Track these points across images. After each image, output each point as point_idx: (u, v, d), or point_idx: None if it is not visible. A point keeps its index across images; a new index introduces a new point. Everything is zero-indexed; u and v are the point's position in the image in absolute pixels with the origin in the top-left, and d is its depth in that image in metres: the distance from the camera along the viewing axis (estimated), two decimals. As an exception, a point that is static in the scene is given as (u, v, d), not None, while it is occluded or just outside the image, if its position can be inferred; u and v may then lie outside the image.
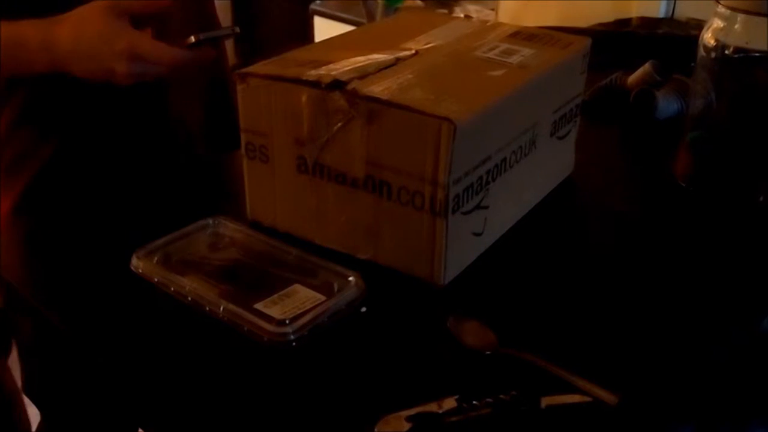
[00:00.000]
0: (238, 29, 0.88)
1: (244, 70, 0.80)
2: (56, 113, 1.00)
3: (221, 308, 0.71)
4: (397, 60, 0.82)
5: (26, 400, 1.15)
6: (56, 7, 0.88)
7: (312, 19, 2.44)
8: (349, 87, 0.74)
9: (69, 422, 1.13)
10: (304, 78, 0.76)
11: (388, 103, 0.72)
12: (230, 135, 1.20)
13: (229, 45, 3.25)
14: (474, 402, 0.62)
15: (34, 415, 1.19)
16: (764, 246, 0.88)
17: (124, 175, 1.02)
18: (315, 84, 0.75)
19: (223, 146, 1.14)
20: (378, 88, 0.74)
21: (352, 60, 0.80)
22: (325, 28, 2.37)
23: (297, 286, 0.74)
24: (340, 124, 0.75)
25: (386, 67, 0.79)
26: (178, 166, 1.09)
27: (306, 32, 2.51)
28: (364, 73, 0.77)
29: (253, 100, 0.80)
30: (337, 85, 0.75)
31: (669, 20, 1.65)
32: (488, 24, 1.00)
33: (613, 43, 1.40)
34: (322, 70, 0.77)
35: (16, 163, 1.03)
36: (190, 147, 1.13)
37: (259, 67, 0.80)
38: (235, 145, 1.19)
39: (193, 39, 0.89)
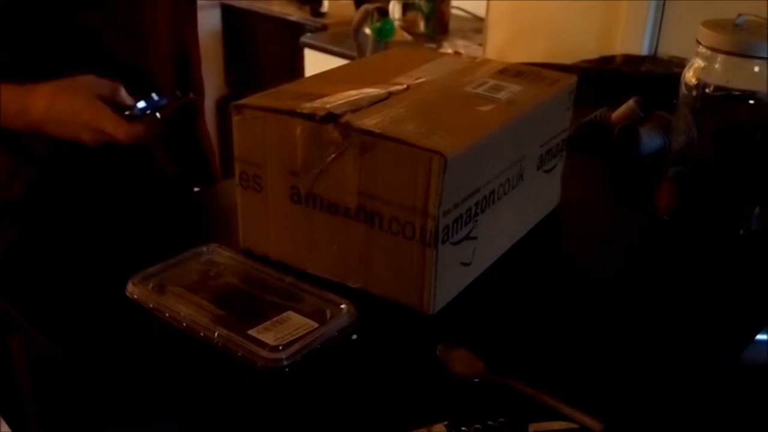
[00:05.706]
0: (192, 96, 0.95)
1: (240, 101, 0.82)
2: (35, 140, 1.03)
3: (216, 334, 0.72)
4: (390, 94, 0.84)
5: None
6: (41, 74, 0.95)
7: (302, 51, 2.46)
8: (343, 120, 0.76)
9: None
10: (299, 110, 0.78)
11: (381, 136, 0.74)
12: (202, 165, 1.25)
13: (219, 76, 3.27)
14: (462, 428, 0.63)
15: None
16: (745, 278, 0.90)
17: (113, 202, 1.04)
18: (310, 116, 0.77)
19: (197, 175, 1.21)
20: (371, 122, 0.76)
21: (346, 94, 0.82)
22: (315, 61, 2.40)
23: (290, 313, 0.75)
24: (333, 156, 0.77)
25: (379, 101, 0.82)
26: (169, 194, 1.11)
27: (296, 65, 2.53)
28: (357, 107, 0.79)
29: (248, 130, 0.82)
30: (331, 117, 0.77)
31: (652, 58, 1.69)
32: (477, 60, 1.02)
33: (598, 79, 1.44)
34: (317, 103, 0.79)
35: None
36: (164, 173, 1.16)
37: (255, 99, 0.82)
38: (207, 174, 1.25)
39: (139, 106, 0.97)
